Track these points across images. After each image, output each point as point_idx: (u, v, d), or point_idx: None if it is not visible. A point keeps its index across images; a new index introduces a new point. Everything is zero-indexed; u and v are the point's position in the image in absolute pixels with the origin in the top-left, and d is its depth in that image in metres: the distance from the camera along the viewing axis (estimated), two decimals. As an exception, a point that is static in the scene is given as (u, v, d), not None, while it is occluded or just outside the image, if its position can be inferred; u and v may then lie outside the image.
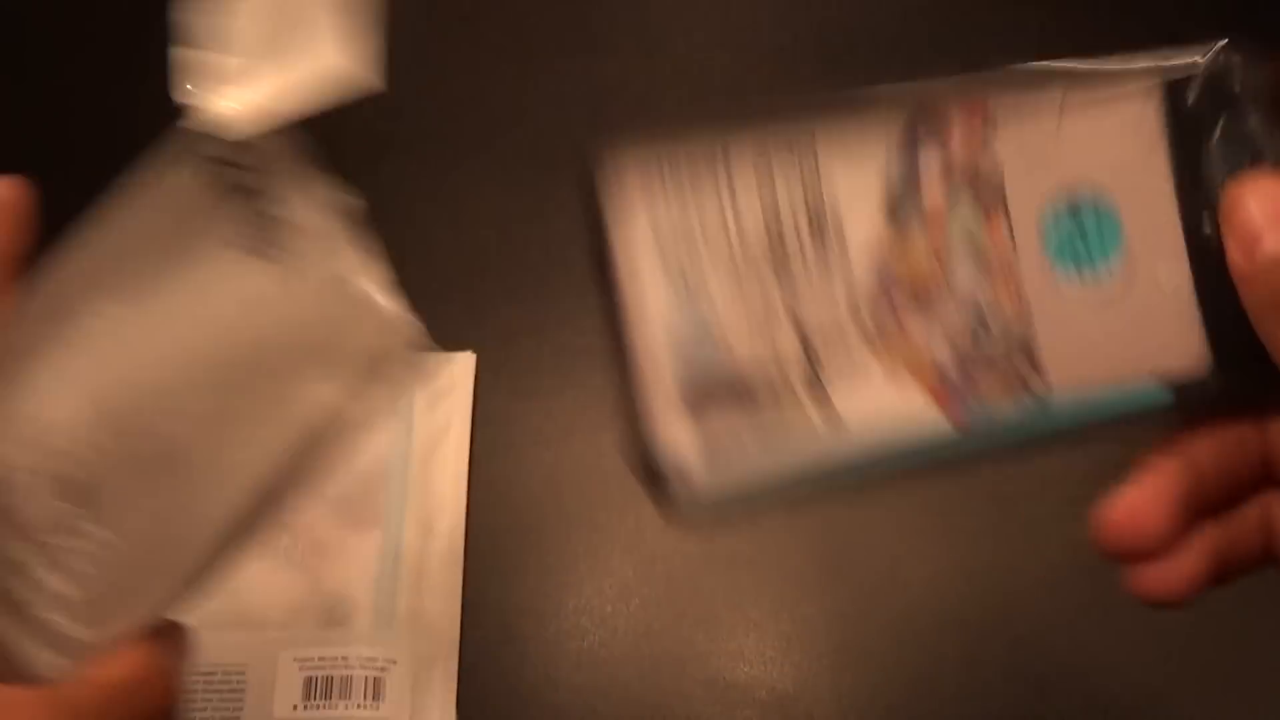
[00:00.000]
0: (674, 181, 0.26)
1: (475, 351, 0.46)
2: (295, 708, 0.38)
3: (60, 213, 0.52)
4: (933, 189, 0.26)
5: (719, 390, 0.26)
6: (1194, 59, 0.28)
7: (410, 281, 0.49)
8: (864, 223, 0.26)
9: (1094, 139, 0.27)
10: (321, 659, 0.39)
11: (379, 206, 0.51)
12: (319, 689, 0.38)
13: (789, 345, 0.26)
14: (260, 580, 0.40)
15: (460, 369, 0.46)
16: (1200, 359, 0.26)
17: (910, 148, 0.26)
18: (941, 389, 0.26)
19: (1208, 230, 0.26)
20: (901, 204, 0.26)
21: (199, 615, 0.39)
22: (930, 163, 0.26)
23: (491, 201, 0.51)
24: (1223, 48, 0.28)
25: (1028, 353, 0.26)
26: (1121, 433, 0.26)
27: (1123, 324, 0.26)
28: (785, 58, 0.57)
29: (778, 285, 0.26)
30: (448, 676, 0.40)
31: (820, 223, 0.26)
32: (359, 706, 0.38)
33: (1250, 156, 0.26)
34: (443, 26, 0.57)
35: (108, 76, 0.55)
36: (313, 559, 0.41)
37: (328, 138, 0.56)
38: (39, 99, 0.54)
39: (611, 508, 0.42)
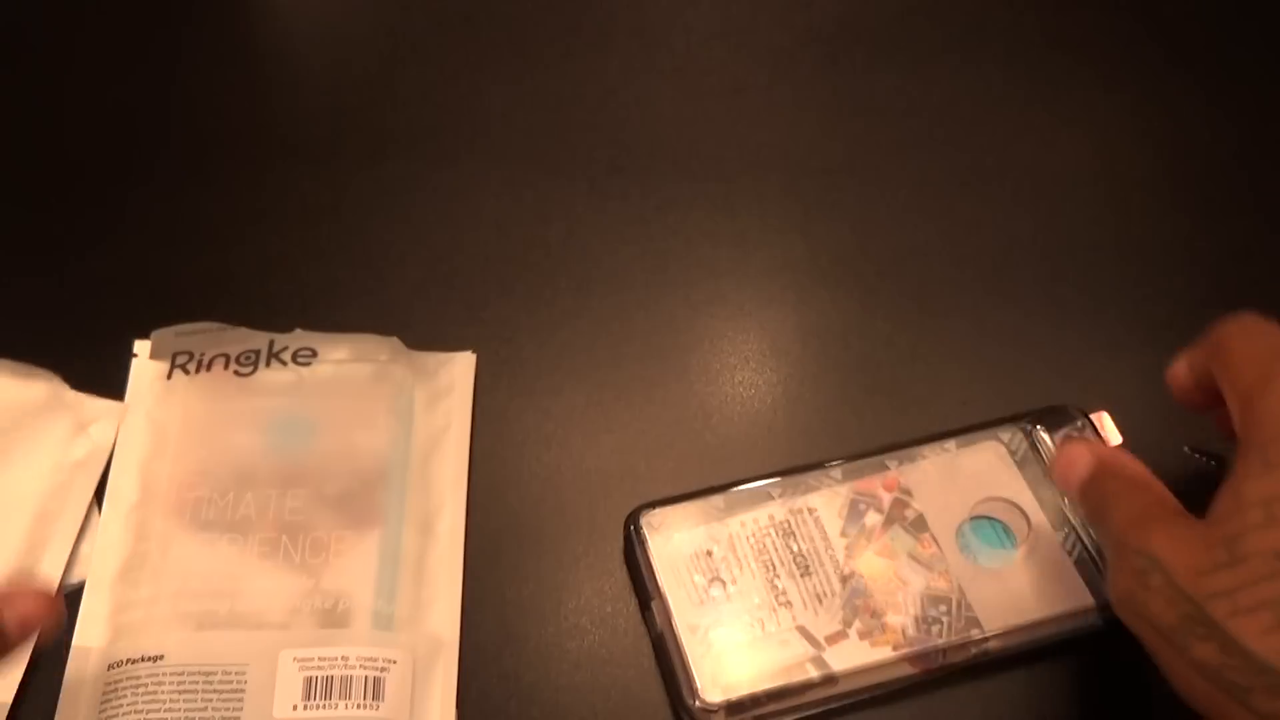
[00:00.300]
0: (692, 521, 0.41)
1: (475, 351, 0.46)
2: (295, 708, 0.38)
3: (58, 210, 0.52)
4: (878, 531, 0.40)
5: (738, 652, 0.38)
6: (1030, 415, 0.43)
7: (410, 281, 0.49)
8: (834, 553, 0.40)
9: (976, 474, 0.42)
10: (322, 659, 0.39)
11: (379, 206, 0.51)
12: (319, 689, 0.38)
13: (790, 627, 0.39)
14: (260, 580, 0.40)
15: (460, 369, 0.46)
16: (1085, 596, 0.39)
17: (856, 514, 0.41)
18: (905, 645, 0.38)
19: (1064, 509, 0.41)
20: (856, 542, 0.40)
21: (199, 615, 0.39)
22: (873, 518, 0.41)
23: (491, 201, 0.51)
24: (1047, 408, 0.43)
25: (965, 613, 0.39)
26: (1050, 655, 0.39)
27: (1026, 584, 0.39)
28: (785, 57, 0.57)
29: (782, 584, 0.39)
30: (448, 676, 0.39)
31: (803, 553, 0.40)
32: (359, 706, 0.38)
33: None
34: (443, 26, 0.57)
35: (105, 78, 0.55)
36: (313, 559, 0.41)
37: (328, 139, 0.57)
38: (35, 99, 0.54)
39: (611, 508, 0.42)
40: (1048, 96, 0.56)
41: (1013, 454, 0.42)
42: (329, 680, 0.38)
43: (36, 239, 0.50)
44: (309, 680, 0.38)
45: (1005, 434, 0.42)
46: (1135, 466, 0.36)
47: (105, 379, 0.45)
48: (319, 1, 0.59)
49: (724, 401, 0.46)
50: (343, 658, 0.39)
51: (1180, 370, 0.38)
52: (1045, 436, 0.42)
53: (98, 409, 0.44)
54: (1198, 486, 0.44)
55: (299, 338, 0.45)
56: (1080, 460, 0.36)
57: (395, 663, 0.39)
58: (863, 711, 0.38)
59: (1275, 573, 0.28)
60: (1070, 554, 0.40)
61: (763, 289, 0.49)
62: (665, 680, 0.38)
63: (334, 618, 0.40)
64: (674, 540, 0.40)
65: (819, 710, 0.38)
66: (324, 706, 0.38)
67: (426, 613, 0.40)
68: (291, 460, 0.43)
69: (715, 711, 0.37)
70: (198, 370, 0.44)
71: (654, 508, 0.41)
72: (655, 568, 0.40)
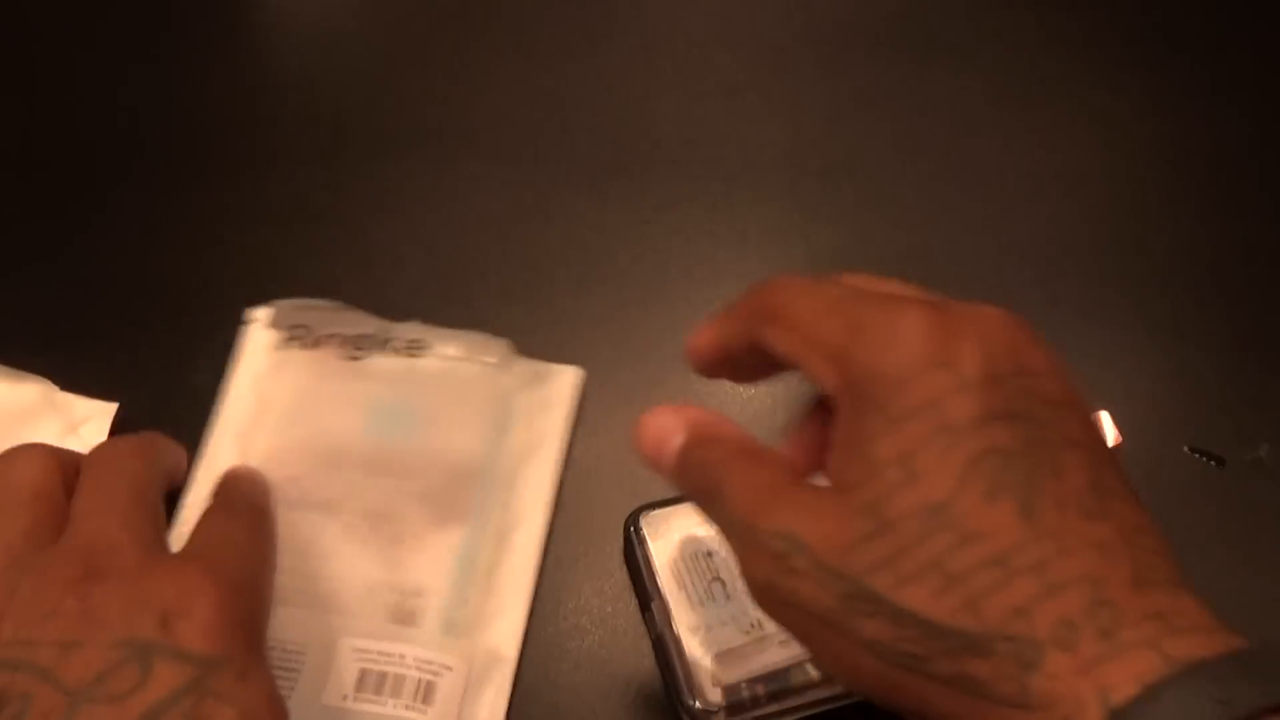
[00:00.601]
0: (692, 522, 0.40)
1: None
2: (345, 697, 0.37)
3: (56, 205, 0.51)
4: None
5: (738, 652, 0.38)
6: None
7: (409, 282, 0.49)
8: None
9: None
10: (380, 653, 0.38)
11: (379, 206, 0.51)
12: (371, 683, 0.38)
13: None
14: (337, 564, 0.40)
15: (565, 383, 0.45)
16: None
17: None
18: None
19: None
20: None
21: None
22: None
23: (491, 201, 0.51)
24: None
25: None
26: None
27: None
28: (785, 58, 0.57)
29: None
30: (500, 693, 0.39)
31: None
32: (406, 707, 0.37)
33: None
34: (442, 26, 0.57)
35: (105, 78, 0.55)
36: (392, 551, 0.40)
37: (328, 138, 0.56)
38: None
39: (610, 507, 0.42)
40: (1047, 96, 0.56)
41: None
42: (383, 676, 0.38)
43: (30, 239, 0.50)
44: (363, 672, 0.38)
45: None
46: (733, 430, 0.32)
47: (98, 380, 0.44)
48: (320, 3, 0.59)
49: (724, 401, 0.46)
50: (400, 655, 0.38)
51: (708, 340, 0.33)
52: None
53: (88, 410, 0.44)
54: (1198, 486, 0.44)
55: (412, 329, 0.44)
56: (670, 430, 0.32)
57: (451, 670, 0.38)
58: (863, 712, 0.38)
59: (931, 530, 0.26)
60: None
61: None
62: (665, 680, 0.38)
63: (403, 614, 0.39)
64: (674, 541, 0.40)
65: (819, 710, 0.38)
66: (372, 701, 0.37)
67: (490, 624, 0.40)
68: (387, 449, 0.42)
69: (715, 712, 0.37)
70: (309, 346, 0.44)
71: (654, 508, 0.41)
72: (655, 568, 0.40)
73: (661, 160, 0.53)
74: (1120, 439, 0.43)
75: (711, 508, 0.31)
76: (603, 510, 0.43)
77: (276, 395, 0.43)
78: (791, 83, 0.56)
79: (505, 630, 0.40)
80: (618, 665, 0.40)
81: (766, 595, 0.29)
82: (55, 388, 0.44)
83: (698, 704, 0.37)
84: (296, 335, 0.44)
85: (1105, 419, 0.43)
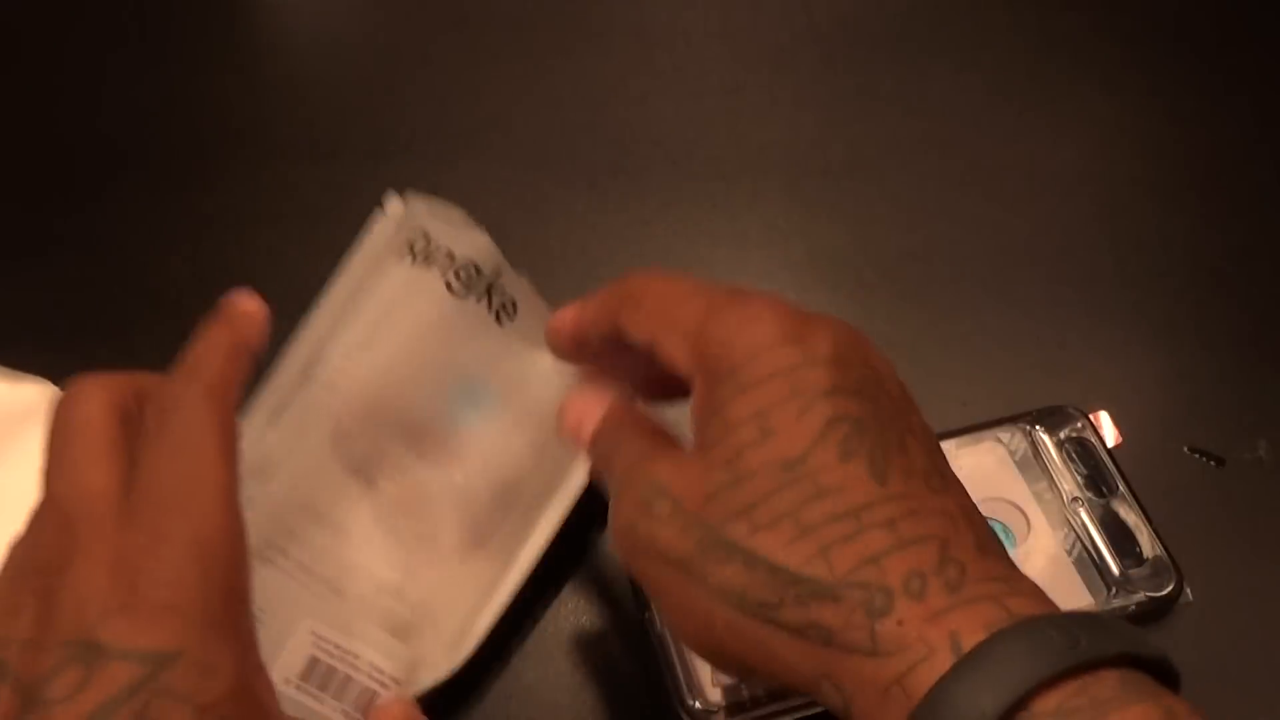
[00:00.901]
0: None
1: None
2: (288, 681, 0.35)
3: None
4: None
5: None
6: (1030, 416, 0.42)
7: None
8: None
9: (976, 474, 0.41)
10: (337, 647, 0.36)
11: (378, 206, 0.51)
12: (319, 675, 0.35)
13: None
14: (352, 546, 0.37)
15: None
16: (1085, 595, 0.39)
17: None
18: None
19: (1064, 510, 0.40)
20: None
21: (267, 544, 0.35)
22: None
23: (491, 201, 0.51)
24: (1047, 408, 0.42)
25: None
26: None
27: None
28: (785, 57, 0.57)
29: None
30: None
31: None
32: (344, 714, 0.36)
33: (1087, 473, 0.41)
34: (443, 27, 0.57)
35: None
36: (415, 554, 0.38)
37: (328, 139, 0.56)
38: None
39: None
40: (1048, 96, 0.56)
41: (1012, 454, 0.42)
42: (331, 671, 0.36)
43: (30, 239, 0.50)
44: (313, 660, 0.35)
45: (1005, 434, 0.42)
46: (643, 415, 0.34)
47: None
48: (320, 3, 0.59)
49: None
50: (355, 656, 0.36)
51: (571, 321, 0.36)
52: (1045, 437, 0.42)
53: None
54: (1198, 486, 0.44)
55: (518, 287, 0.40)
56: (590, 413, 0.35)
57: (399, 684, 0.36)
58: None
59: (786, 483, 0.28)
60: (1070, 554, 0.40)
61: (762, 289, 0.49)
62: (666, 680, 0.38)
63: (400, 629, 0.37)
64: None
65: (818, 710, 0.38)
66: (314, 696, 0.35)
67: (461, 642, 0.38)
68: (452, 431, 0.38)
69: (715, 712, 0.37)
70: (419, 262, 0.38)
71: None
72: None
73: (661, 160, 0.53)
74: (1120, 439, 0.43)
75: (608, 471, 0.33)
76: (602, 510, 0.43)
77: (365, 311, 0.38)
78: (792, 82, 0.56)
79: (467, 646, 0.38)
80: (618, 665, 0.40)
81: (627, 539, 0.30)
82: (55, 388, 0.44)
83: (698, 704, 0.37)
84: (413, 242, 0.38)
85: (1105, 419, 0.43)
